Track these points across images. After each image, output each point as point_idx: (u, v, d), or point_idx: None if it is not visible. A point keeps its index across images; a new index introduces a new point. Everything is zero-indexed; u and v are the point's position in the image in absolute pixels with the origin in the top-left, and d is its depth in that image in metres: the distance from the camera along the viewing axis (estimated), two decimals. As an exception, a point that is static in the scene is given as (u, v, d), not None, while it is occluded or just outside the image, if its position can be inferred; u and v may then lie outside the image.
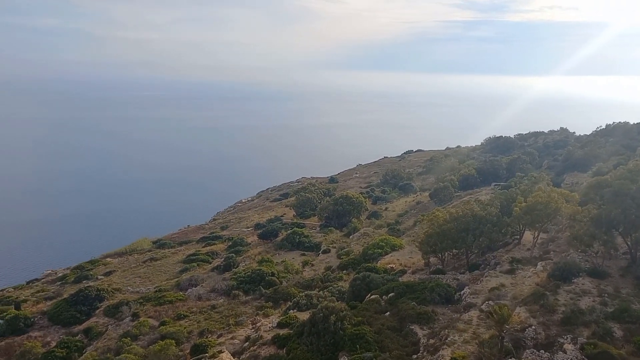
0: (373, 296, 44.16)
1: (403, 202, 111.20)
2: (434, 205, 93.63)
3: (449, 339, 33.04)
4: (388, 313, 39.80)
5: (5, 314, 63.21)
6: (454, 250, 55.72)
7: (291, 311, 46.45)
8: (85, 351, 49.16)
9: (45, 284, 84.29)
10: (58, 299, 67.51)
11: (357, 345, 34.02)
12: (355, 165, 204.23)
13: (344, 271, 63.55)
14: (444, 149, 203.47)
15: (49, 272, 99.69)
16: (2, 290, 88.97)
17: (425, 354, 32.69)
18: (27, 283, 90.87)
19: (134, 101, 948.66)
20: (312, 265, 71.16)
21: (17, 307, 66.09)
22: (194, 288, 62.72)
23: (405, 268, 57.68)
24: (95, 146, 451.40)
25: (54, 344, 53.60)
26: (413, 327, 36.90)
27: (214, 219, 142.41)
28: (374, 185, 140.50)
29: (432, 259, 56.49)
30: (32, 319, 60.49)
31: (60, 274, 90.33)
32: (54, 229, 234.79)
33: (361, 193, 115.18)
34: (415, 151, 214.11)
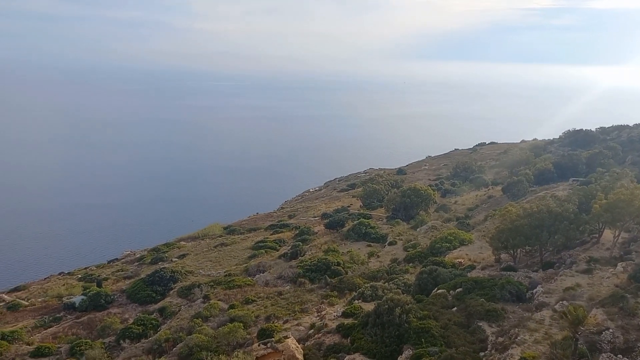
0: (440, 291, 43.44)
1: (473, 196, 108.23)
2: (507, 200, 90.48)
3: (518, 338, 31.98)
4: (455, 308, 39.04)
5: (88, 290, 67.70)
6: (526, 247, 53.66)
7: (356, 301, 46.58)
8: (160, 329, 51.68)
9: (124, 264, 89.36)
10: (136, 279, 71.42)
11: (422, 339, 33.64)
12: (425, 157, 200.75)
13: (410, 264, 62.87)
14: (518, 141, 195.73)
15: (128, 252, 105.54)
16: (86, 268, 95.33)
17: (493, 352, 31.82)
18: (108, 262, 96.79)
19: (211, 90, 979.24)
20: (378, 256, 70.90)
21: (99, 285, 70.57)
22: (261, 274, 64.28)
23: (474, 263, 56.24)
24: (175, 134, 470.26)
25: (131, 320, 56.76)
26: (481, 324, 36.00)
27: (282, 208, 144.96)
28: (444, 177, 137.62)
29: (503, 256, 54.70)
30: (112, 296, 64.36)
31: (138, 255, 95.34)
32: (134, 213, 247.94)
33: (430, 185, 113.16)
34: (488, 143, 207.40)
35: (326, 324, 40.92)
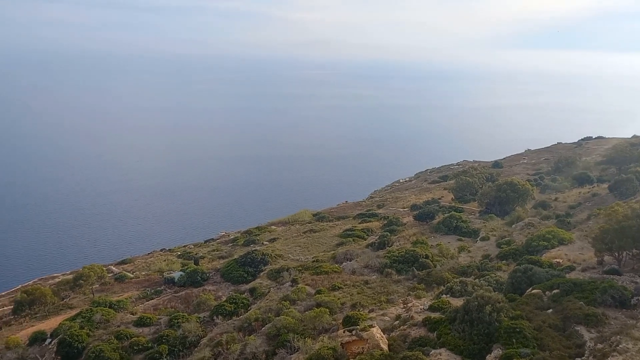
0: (534, 291, 41.42)
1: (576, 193, 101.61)
2: (613, 199, 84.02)
3: (620, 346, 29.81)
4: (550, 310, 37.08)
5: (186, 267, 71.93)
6: (634, 250, 49.65)
7: (444, 296, 45.64)
8: (250, 308, 53.80)
9: (219, 244, 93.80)
10: (229, 259, 74.78)
11: (514, 339, 32.35)
12: (523, 151, 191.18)
13: (504, 261, 60.45)
14: (629, 136, 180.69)
15: (223, 233, 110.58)
16: (185, 246, 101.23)
17: (590, 358, 29.94)
18: (205, 242, 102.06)
19: (305, 79, 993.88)
20: (469, 251, 68.85)
21: (196, 263, 74.71)
22: (348, 262, 64.77)
23: (574, 264, 52.95)
24: (270, 123, 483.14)
25: (224, 298, 59.57)
26: (579, 328, 33.94)
27: (371, 197, 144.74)
28: (544, 172, 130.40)
29: (607, 258, 51.00)
30: (207, 274, 67.93)
31: (232, 237, 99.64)
32: (231, 196, 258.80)
33: (528, 180, 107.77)
34: (595, 138, 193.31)
35: (412, 316, 40.50)
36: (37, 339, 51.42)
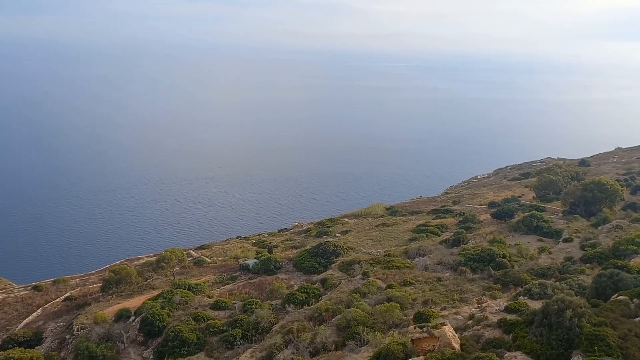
0: (620, 297, 38.93)
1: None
2: None
3: None
4: (638, 319, 34.75)
5: (260, 255, 73.83)
6: None
7: (521, 297, 43.95)
8: (321, 299, 54.46)
9: (292, 234, 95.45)
10: (302, 249, 75.95)
11: (596, 347, 30.63)
12: (613, 149, 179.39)
13: (587, 265, 57.25)
14: None
15: (296, 224, 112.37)
16: (259, 234, 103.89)
17: (683, 374, 27.77)
18: (279, 231, 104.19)
19: (386, 72, 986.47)
20: (550, 253, 65.77)
21: (270, 251, 76.47)
22: (421, 258, 63.86)
23: (667, 272, 49.19)
24: (350, 115, 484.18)
25: (296, 287, 60.68)
26: (670, 341, 31.53)
27: (446, 192, 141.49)
28: (635, 172, 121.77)
29: None
30: (280, 263, 69.41)
31: (305, 227, 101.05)
32: (303, 186, 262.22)
33: (617, 180, 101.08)
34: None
35: (487, 316, 39.35)
36: (122, 316, 54.80)
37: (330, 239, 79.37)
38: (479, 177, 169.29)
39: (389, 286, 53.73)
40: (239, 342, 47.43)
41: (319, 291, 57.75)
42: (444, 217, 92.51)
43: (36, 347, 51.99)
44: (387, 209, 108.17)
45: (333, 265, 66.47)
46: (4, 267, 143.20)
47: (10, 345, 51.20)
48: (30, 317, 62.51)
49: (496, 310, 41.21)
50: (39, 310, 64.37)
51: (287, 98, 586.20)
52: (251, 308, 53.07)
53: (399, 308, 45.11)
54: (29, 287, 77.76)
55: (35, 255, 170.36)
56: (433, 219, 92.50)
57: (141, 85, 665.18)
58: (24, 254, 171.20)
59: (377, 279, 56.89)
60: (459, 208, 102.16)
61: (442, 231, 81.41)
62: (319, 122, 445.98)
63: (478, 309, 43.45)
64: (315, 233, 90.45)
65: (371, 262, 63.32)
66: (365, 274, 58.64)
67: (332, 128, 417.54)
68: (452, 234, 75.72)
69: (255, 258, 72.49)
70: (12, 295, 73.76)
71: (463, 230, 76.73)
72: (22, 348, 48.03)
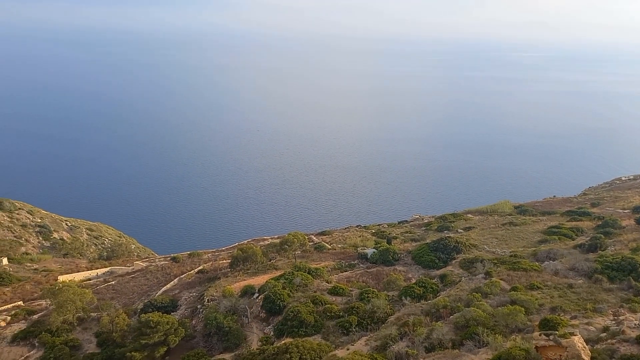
0: None
1: None
2: None
3: None
4: None
5: (379, 245, 74.04)
6: None
7: (667, 314, 39.43)
8: (439, 295, 53.34)
9: (412, 227, 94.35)
10: (421, 242, 74.84)
11: None
12: None
13: None
14: None
15: (417, 216, 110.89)
16: (379, 225, 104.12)
17: None
18: (399, 223, 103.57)
19: (514, 62, 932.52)
20: None
21: (389, 242, 76.36)
22: (551, 262, 59.73)
23: None
24: (468, 107, 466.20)
25: (413, 280, 60.03)
26: None
27: (584, 194, 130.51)
28: None
29: None
30: (398, 255, 69.02)
31: (425, 220, 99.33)
32: (426, 178, 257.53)
33: None
34: None
35: (624, 330, 35.92)
36: (247, 292, 58.20)
37: (451, 235, 77.26)
38: (623, 178, 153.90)
39: (514, 288, 51.08)
40: (354, 329, 48.16)
41: (437, 287, 56.60)
42: (580, 220, 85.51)
43: (172, 313, 57.09)
44: (515, 207, 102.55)
45: (453, 261, 64.68)
46: (148, 239, 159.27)
47: (150, 309, 56.79)
48: (168, 285, 68.80)
49: (635, 325, 37.46)
50: (175, 280, 70.61)
51: (413, 88, 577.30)
52: (368, 297, 53.53)
53: (524, 312, 42.73)
54: (168, 258, 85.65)
55: (175, 230, 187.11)
56: (567, 220, 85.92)
57: (263, 74, 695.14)
58: (166, 228, 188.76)
59: (500, 279, 54.33)
60: (597, 211, 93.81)
61: (576, 235, 75.39)
62: (446, 113, 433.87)
63: (614, 322, 39.80)
64: (436, 227, 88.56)
65: (495, 261, 60.57)
66: (488, 274, 56.30)
67: (459, 120, 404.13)
68: (589, 238, 69.78)
69: (373, 248, 72.85)
70: (154, 264, 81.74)
71: (601, 235, 70.36)
72: (160, 313, 52.98)
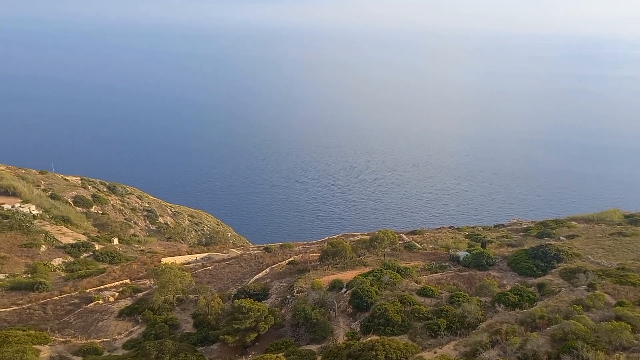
0: None
1: None
2: None
3: None
4: None
5: (472, 248, 71.66)
6: None
7: None
8: (536, 304, 50.69)
9: (509, 232, 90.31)
10: (518, 248, 71.41)
11: None
12: None
13: None
14: None
15: (514, 221, 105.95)
16: (473, 227, 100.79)
17: None
18: (494, 226, 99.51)
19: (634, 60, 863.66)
20: None
21: (483, 246, 73.67)
22: (666, 278, 54.63)
23: None
24: (579, 106, 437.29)
25: (508, 287, 57.51)
26: None
27: None
28: None
29: None
30: (493, 260, 66.37)
31: (524, 225, 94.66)
32: (526, 181, 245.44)
33: None
34: None
35: None
36: (335, 286, 58.80)
37: (552, 242, 73.00)
38: None
39: (620, 303, 47.34)
40: (442, 332, 47.09)
41: (534, 296, 53.80)
42: (703, 234, 77.31)
43: (263, 301, 59.07)
44: (625, 216, 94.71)
45: (553, 270, 61.13)
46: (244, 228, 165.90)
47: (243, 296, 59.18)
48: (260, 274, 71.28)
49: None
50: (267, 269, 72.97)
51: (514, 88, 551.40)
52: (458, 300, 52.10)
53: (630, 330, 39.51)
54: (262, 248, 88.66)
55: (269, 221, 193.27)
56: (686, 234, 78.04)
57: (374, 68, 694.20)
58: (261, 219, 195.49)
59: (605, 293, 50.57)
60: None
61: (697, 250, 68.30)
62: (551, 112, 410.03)
63: None
64: (535, 233, 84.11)
65: (600, 273, 56.49)
66: (591, 286, 52.64)
67: (566, 120, 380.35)
68: None
69: (466, 251, 70.65)
70: (248, 252, 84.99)
71: None
72: (252, 300, 55.00)
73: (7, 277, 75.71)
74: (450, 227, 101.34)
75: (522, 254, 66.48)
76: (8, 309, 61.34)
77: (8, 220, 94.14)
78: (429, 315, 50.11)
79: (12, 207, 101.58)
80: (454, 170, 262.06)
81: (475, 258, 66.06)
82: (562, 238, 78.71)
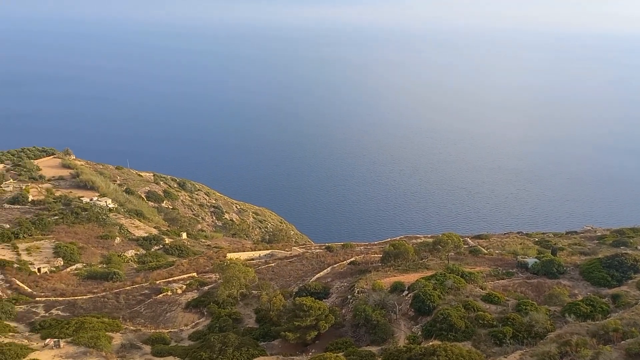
0: None
1: None
2: None
3: None
4: None
5: (542, 255, 68.84)
6: None
7: None
8: (609, 316, 48.00)
9: (582, 239, 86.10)
10: (592, 257, 67.89)
11: None
12: None
13: None
14: None
15: (588, 228, 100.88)
16: (543, 233, 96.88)
17: None
18: (566, 233, 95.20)
19: None
20: None
21: (554, 253, 70.62)
22: None
23: None
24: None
25: (579, 297, 54.81)
26: None
27: None
28: None
29: None
30: (564, 268, 63.44)
31: (599, 233, 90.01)
32: (600, 187, 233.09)
33: None
34: None
35: None
36: (396, 288, 58.22)
37: (629, 251, 68.84)
38: None
39: None
40: (508, 341, 45.54)
41: (608, 307, 50.97)
42: None
43: (323, 300, 59.42)
44: None
45: (630, 281, 57.68)
46: (306, 227, 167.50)
47: (304, 294, 59.78)
48: (321, 273, 71.77)
49: None
50: (328, 269, 73.36)
51: (587, 88, 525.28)
52: (525, 309, 50.20)
53: None
54: (323, 247, 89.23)
55: (331, 220, 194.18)
56: None
57: (435, 70, 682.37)
58: (323, 218, 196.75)
59: (689, 308, 47.16)
60: None
61: None
62: (623, 119, 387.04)
63: None
64: (611, 242, 79.68)
65: (683, 287, 52.78)
66: (672, 300, 49.27)
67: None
68: None
69: (535, 257, 67.96)
70: (309, 251, 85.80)
71: None
72: (313, 298, 55.43)
73: (85, 266, 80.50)
74: (518, 233, 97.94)
75: (595, 263, 63.17)
76: (85, 297, 65.15)
77: (86, 212, 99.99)
78: (494, 323, 48.59)
79: (91, 200, 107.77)
80: (523, 174, 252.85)
81: (545, 265, 63.41)
82: (639, 247, 74.20)
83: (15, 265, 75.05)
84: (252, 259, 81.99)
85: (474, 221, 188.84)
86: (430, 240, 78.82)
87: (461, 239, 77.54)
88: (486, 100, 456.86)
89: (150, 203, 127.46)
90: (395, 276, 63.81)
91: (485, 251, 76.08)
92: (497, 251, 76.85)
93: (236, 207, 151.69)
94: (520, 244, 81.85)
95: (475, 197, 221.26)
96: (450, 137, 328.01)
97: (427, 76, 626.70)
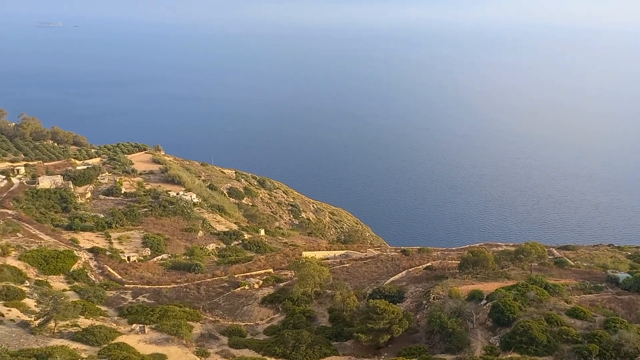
0: None
1: None
2: None
3: None
4: None
5: (635, 270, 64.15)
6: None
7: None
8: None
9: None
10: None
11: None
12: None
13: None
14: None
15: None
16: (637, 247, 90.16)
17: None
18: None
19: None
20: None
21: None
22: None
23: None
24: None
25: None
26: None
27: None
28: None
29: None
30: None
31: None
32: None
33: None
34: None
35: None
36: (474, 296, 56.43)
37: None
38: None
39: None
40: (594, 359, 42.91)
41: None
42: None
43: (397, 304, 58.76)
44: None
45: None
46: (382, 229, 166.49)
47: (378, 296, 59.41)
48: (396, 276, 71.02)
49: None
50: (403, 272, 72.45)
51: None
52: (614, 326, 47.01)
53: None
54: (399, 250, 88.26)
55: (407, 224, 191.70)
56: None
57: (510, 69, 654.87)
58: (400, 221, 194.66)
59: None
60: None
61: None
62: None
63: None
64: None
65: None
66: None
67: None
68: None
69: (627, 272, 63.42)
70: (385, 253, 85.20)
71: None
72: (387, 301, 54.96)
73: (170, 257, 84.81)
74: (609, 245, 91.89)
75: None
76: (169, 286, 68.61)
77: (173, 206, 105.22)
78: (579, 339, 45.93)
79: (177, 194, 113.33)
80: (617, 183, 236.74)
81: (638, 281, 59.05)
82: None
83: (108, 253, 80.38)
84: (327, 259, 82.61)
85: (560, 231, 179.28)
86: (512, 248, 75.72)
87: (545, 249, 73.86)
88: (579, 106, 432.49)
89: (232, 199, 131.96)
90: (473, 284, 61.88)
91: (572, 263, 72.06)
92: (585, 264, 72.56)
93: (313, 206, 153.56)
94: (611, 257, 76.76)
95: (562, 206, 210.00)
96: (534, 142, 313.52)
97: (509, 80, 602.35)
